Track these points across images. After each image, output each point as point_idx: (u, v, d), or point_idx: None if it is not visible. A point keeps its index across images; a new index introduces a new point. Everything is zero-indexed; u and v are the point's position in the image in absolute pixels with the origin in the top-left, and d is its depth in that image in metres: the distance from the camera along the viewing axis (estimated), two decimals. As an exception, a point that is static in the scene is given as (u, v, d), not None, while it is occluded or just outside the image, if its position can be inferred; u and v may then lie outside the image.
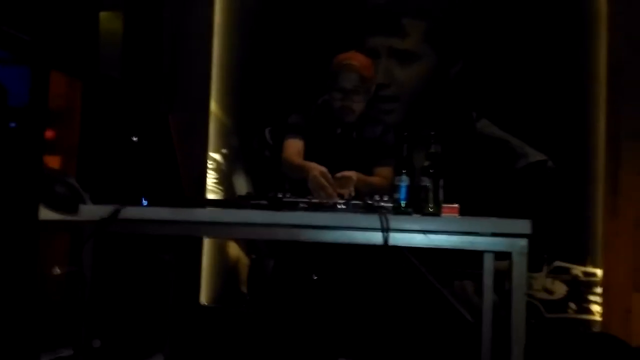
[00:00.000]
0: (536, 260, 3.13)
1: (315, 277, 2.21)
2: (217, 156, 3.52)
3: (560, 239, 3.13)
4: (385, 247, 1.43)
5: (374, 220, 1.44)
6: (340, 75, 2.19)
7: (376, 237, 1.45)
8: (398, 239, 1.46)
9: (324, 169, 1.90)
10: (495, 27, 3.28)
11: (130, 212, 1.52)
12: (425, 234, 1.46)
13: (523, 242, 1.42)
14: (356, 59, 2.22)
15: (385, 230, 1.41)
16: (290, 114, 2.33)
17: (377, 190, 1.78)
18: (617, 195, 3.07)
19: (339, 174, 1.91)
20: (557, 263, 3.16)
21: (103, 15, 3.08)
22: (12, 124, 2.48)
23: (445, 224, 1.47)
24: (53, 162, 2.91)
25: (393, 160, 2.25)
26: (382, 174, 2.19)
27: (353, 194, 1.85)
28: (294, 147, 2.22)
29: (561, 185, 3.17)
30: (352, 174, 1.93)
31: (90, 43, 2.98)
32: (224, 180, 3.51)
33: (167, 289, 2.23)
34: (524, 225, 1.42)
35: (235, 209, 1.57)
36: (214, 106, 3.52)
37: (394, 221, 1.45)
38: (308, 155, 2.18)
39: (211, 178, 3.50)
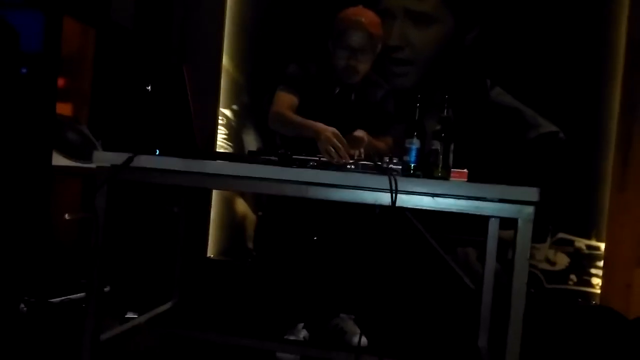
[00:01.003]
0: (541, 231, 3.15)
1: (316, 239, 2.23)
2: (227, 112, 3.51)
3: (566, 211, 3.14)
4: (393, 208, 1.44)
5: (382, 180, 1.45)
6: (347, 32, 2.04)
7: (384, 198, 1.46)
8: (406, 200, 1.47)
9: (335, 130, 1.84)
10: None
11: (143, 160, 1.54)
12: (433, 197, 1.47)
13: (530, 210, 1.43)
14: (364, 15, 2.07)
15: (394, 191, 1.42)
16: (289, 63, 2.17)
17: (382, 155, 1.76)
18: (627, 169, 3.06)
19: (350, 135, 1.91)
20: (561, 235, 3.17)
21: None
22: (24, 70, 2.47)
23: (453, 188, 1.47)
24: (65, 109, 2.91)
25: (394, 129, 2.20)
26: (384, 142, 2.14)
27: (363, 155, 1.85)
28: (286, 101, 2.08)
29: (571, 157, 3.15)
30: (363, 134, 1.92)
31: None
32: (234, 136, 3.51)
33: (176, 240, 2.27)
34: (531, 193, 1.42)
35: (246, 163, 1.59)
36: (226, 62, 3.49)
37: (403, 183, 1.45)
38: (301, 112, 2.05)
39: (221, 134, 3.51)
